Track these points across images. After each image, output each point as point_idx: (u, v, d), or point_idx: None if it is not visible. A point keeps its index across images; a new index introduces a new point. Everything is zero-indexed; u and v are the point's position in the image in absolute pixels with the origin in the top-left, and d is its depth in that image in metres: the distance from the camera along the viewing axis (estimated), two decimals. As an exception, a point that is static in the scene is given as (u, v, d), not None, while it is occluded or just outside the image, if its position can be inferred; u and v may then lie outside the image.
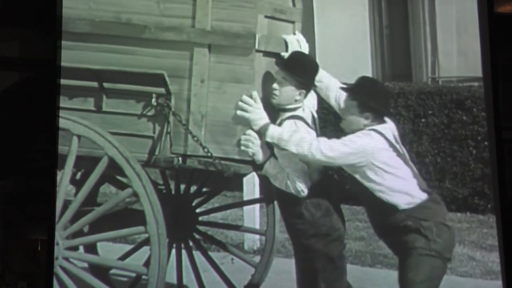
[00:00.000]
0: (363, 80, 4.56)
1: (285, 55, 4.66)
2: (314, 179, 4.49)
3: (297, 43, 4.72)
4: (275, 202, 4.84)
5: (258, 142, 4.47)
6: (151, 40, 4.55)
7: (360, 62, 5.87)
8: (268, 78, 4.57)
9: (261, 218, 5.15)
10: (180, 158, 4.55)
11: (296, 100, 4.51)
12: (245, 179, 5.06)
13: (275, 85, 4.51)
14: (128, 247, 5.00)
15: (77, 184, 4.77)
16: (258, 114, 4.47)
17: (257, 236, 5.22)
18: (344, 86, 4.57)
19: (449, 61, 5.90)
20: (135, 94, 4.56)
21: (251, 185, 5.10)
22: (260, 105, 4.48)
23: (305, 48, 4.74)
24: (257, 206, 5.19)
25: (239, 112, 4.47)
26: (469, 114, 5.47)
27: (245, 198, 5.19)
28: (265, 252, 4.96)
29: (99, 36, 4.59)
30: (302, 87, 4.51)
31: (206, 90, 4.53)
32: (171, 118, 4.53)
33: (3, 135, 7.06)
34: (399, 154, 4.47)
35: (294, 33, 4.80)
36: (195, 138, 4.51)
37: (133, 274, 4.88)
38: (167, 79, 4.52)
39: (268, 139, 4.44)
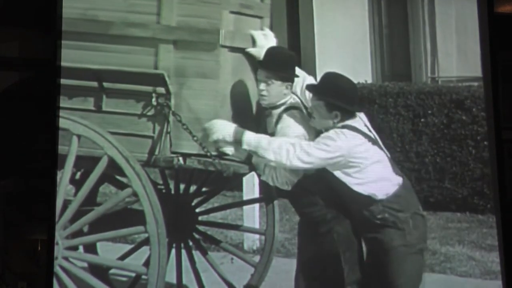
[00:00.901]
0: (327, 77, 4.44)
1: (251, 50, 4.64)
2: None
3: (263, 37, 4.70)
4: (275, 202, 4.84)
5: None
6: (117, 37, 4.55)
7: (359, 62, 5.87)
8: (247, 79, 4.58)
9: (261, 218, 5.15)
10: (180, 158, 4.55)
11: (285, 94, 4.49)
12: (244, 179, 5.06)
13: (261, 86, 4.48)
14: (128, 247, 5.00)
15: (77, 184, 4.76)
16: (224, 129, 4.43)
17: (257, 236, 5.22)
18: (309, 84, 4.50)
19: (449, 61, 5.89)
20: (135, 94, 4.56)
21: (251, 185, 5.10)
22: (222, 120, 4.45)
23: (272, 43, 4.69)
24: (256, 205, 5.19)
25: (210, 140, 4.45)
26: (468, 114, 5.48)
27: (245, 197, 5.19)
28: (265, 251, 4.95)
29: (66, 33, 4.60)
30: (287, 80, 4.49)
31: (172, 86, 4.53)
32: (171, 117, 4.53)
33: (3, 135, 7.06)
34: (374, 142, 4.41)
35: (262, 29, 4.79)
36: (195, 138, 4.51)
37: (133, 274, 4.87)
38: (166, 78, 4.52)
39: (245, 147, 4.39)
